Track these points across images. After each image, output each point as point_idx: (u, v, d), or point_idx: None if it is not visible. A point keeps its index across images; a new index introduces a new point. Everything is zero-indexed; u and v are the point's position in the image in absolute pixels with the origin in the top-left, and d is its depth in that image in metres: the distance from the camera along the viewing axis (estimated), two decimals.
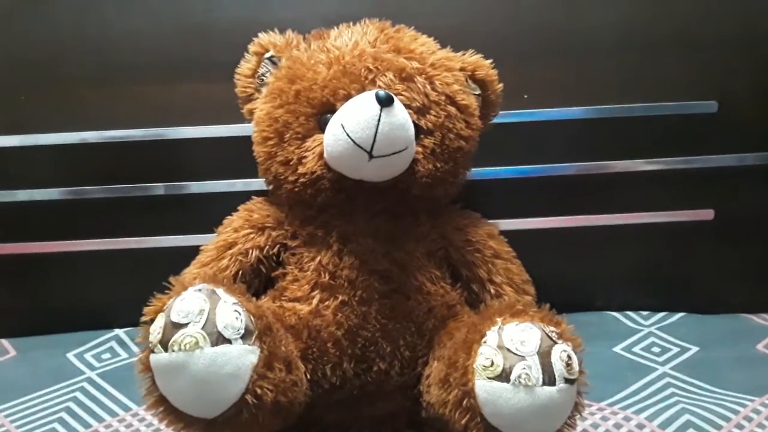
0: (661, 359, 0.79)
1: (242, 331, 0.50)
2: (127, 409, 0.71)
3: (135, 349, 0.83)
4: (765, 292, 0.90)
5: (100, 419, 0.70)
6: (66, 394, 0.74)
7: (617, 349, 0.81)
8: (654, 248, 0.90)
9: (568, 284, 0.87)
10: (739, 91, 0.86)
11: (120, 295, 0.85)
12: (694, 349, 0.80)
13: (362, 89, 0.59)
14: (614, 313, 0.89)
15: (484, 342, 0.52)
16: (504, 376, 0.50)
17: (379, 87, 0.59)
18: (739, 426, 0.65)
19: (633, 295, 0.91)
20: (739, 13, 0.85)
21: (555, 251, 0.88)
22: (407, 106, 0.59)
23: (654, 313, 0.89)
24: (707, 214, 0.88)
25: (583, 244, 0.89)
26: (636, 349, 0.81)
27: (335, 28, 0.66)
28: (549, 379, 0.49)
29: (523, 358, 0.50)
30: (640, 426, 0.65)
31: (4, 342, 0.86)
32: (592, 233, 0.88)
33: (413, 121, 0.58)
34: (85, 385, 0.76)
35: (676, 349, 0.81)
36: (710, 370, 0.75)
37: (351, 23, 0.66)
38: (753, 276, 0.91)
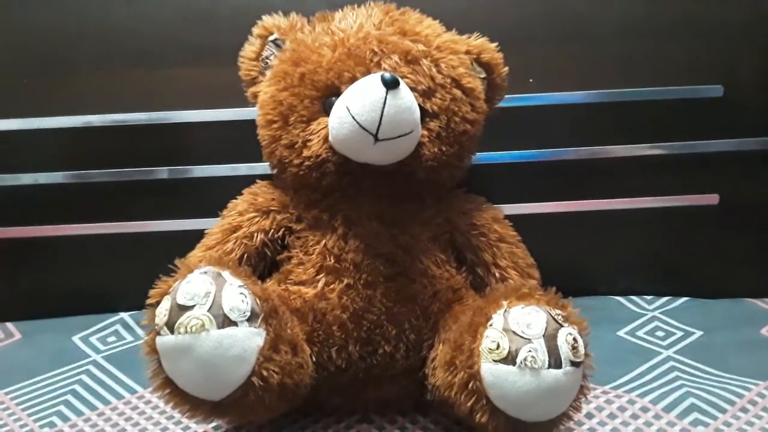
0: (665, 343, 0.79)
1: (248, 314, 0.50)
2: (132, 391, 0.71)
3: (140, 332, 0.84)
4: None
5: (105, 402, 0.70)
6: (71, 377, 0.75)
7: (621, 333, 0.81)
8: (659, 233, 0.89)
9: (573, 268, 0.88)
10: (744, 75, 0.85)
11: (124, 279, 0.86)
12: (698, 333, 0.81)
13: (367, 72, 0.59)
14: (618, 298, 0.90)
15: (490, 325, 0.52)
16: (510, 359, 0.50)
17: (385, 69, 0.59)
18: (744, 410, 0.65)
19: (637, 279, 0.91)
20: None
21: (559, 235, 0.88)
22: (413, 89, 0.58)
23: (658, 297, 0.89)
24: (712, 199, 0.88)
25: (588, 229, 0.89)
26: (640, 333, 0.81)
27: (340, 10, 0.66)
28: (555, 362, 0.50)
29: (529, 341, 0.50)
30: (645, 409, 0.65)
31: (10, 325, 0.87)
32: (598, 217, 0.88)
33: (419, 104, 0.58)
34: (91, 368, 0.76)
35: (680, 333, 0.81)
36: (714, 354, 0.75)
37: (356, 5, 0.66)
38: (757, 260, 0.91)
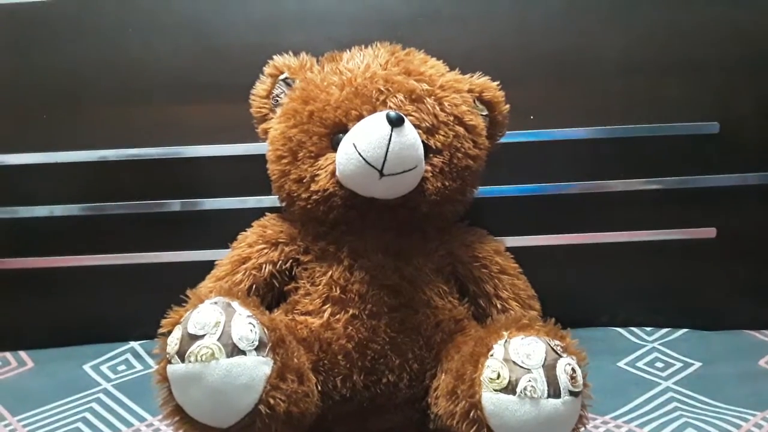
0: (664, 374, 0.80)
1: (256, 343, 0.52)
2: (142, 419, 0.72)
3: (150, 361, 0.85)
4: (767, 309, 0.91)
5: (115, 429, 0.71)
6: (82, 405, 0.76)
7: (621, 364, 0.82)
8: (658, 265, 0.91)
9: (573, 300, 0.89)
10: (740, 112, 0.87)
11: (136, 309, 0.87)
12: (697, 364, 0.81)
13: (374, 110, 0.61)
14: (618, 329, 0.90)
15: (491, 355, 0.53)
16: (510, 389, 0.51)
17: (390, 108, 0.61)
18: None
19: (637, 311, 0.92)
20: (741, 37, 0.87)
21: (560, 268, 0.89)
22: (417, 126, 0.61)
23: (657, 329, 0.90)
24: (709, 233, 0.89)
25: (588, 261, 0.90)
26: (640, 364, 0.82)
27: (347, 51, 0.68)
28: (554, 392, 0.51)
29: (528, 371, 0.51)
30: None
31: (23, 354, 0.88)
32: (598, 250, 0.89)
33: (423, 141, 0.60)
34: (101, 396, 0.77)
35: (679, 365, 0.81)
36: (713, 385, 0.76)
37: (363, 46, 0.68)
38: (755, 293, 0.92)
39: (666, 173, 0.88)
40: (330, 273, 0.63)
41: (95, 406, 0.75)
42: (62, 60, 0.87)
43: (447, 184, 0.63)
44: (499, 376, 0.52)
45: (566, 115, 0.87)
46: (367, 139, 0.57)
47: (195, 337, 0.50)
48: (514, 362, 0.52)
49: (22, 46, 0.87)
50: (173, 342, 0.51)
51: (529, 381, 0.51)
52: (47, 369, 0.84)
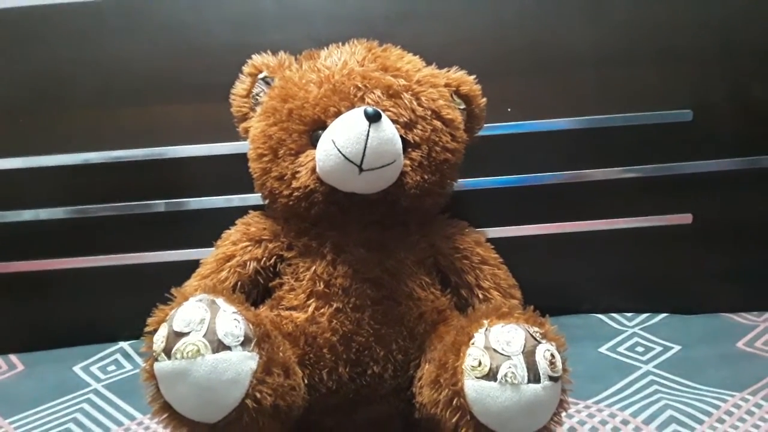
0: (644, 358, 0.81)
1: (241, 339, 0.52)
2: (132, 418, 0.73)
3: (139, 360, 0.85)
4: (743, 292, 0.93)
5: (106, 429, 0.72)
6: (73, 405, 0.76)
7: (603, 349, 0.84)
8: (636, 252, 0.92)
9: (555, 288, 0.90)
10: (712, 100, 0.89)
11: (123, 309, 0.87)
12: (677, 348, 0.83)
13: (351, 106, 0.62)
14: (599, 315, 0.92)
15: (472, 343, 0.54)
16: (491, 376, 0.52)
17: (368, 104, 0.61)
18: (720, 420, 0.67)
19: (617, 297, 0.94)
20: (713, 25, 0.88)
21: (541, 257, 0.91)
22: (395, 122, 0.61)
23: (637, 314, 0.92)
24: (685, 219, 0.91)
25: (567, 250, 0.91)
26: (621, 349, 0.84)
27: (325, 48, 0.69)
28: (534, 377, 0.52)
29: (508, 357, 0.52)
30: (625, 422, 0.67)
31: (12, 357, 0.88)
32: (577, 239, 0.91)
33: (401, 136, 0.61)
34: (92, 396, 0.78)
35: (659, 349, 0.83)
36: (692, 368, 0.78)
37: (340, 43, 0.69)
38: (731, 276, 0.94)
39: (642, 161, 0.89)
40: (313, 268, 0.64)
41: (86, 406, 0.76)
42: (42, 62, 0.87)
43: (426, 177, 0.64)
44: (480, 363, 0.52)
45: (543, 107, 0.88)
46: (345, 135, 0.58)
47: (180, 335, 0.51)
48: (494, 350, 0.52)
49: (1, 50, 0.87)
50: (159, 340, 0.52)
51: (510, 367, 0.51)
52: (37, 371, 0.85)
